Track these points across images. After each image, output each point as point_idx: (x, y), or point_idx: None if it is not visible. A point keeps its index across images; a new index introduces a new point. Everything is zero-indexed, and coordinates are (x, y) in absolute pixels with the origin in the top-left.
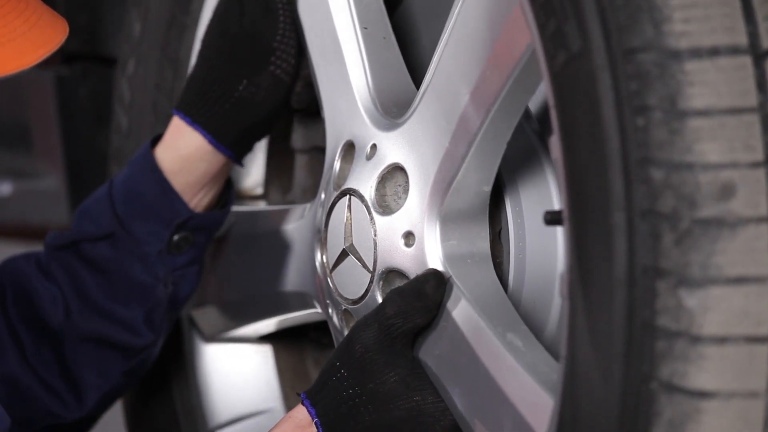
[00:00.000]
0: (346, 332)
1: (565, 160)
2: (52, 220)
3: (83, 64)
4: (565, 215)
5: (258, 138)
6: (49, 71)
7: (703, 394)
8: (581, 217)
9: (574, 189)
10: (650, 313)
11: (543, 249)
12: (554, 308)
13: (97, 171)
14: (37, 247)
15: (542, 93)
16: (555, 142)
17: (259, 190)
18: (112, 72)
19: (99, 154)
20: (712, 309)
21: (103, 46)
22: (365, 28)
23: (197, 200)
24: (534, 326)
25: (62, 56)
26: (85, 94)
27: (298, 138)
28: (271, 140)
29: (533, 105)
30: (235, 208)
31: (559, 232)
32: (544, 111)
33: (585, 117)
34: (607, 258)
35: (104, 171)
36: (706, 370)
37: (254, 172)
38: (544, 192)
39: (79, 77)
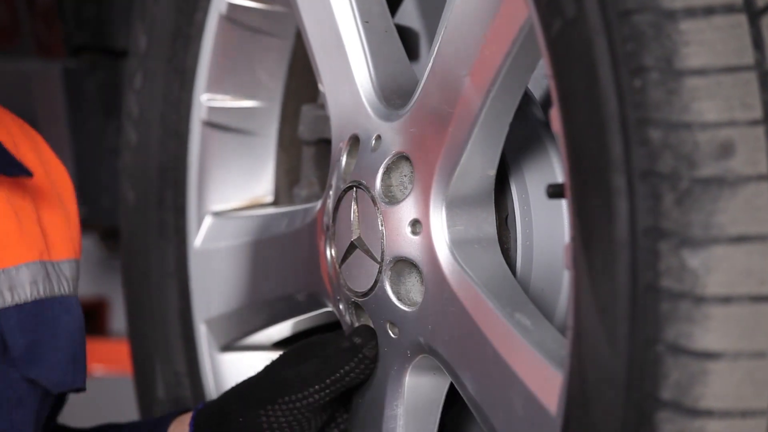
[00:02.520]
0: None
1: (565, 127)
2: None
3: (91, 56)
4: (567, 183)
5: None
6: (56, 63)
7: (709, 355)
8: (582, 183)
9: (574, 155)
10: (653, 274)
11: (550, 235)
12: (563, 295)
13: (105, 163)
14: None
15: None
16: (555, 112)
17: (270, 198)
18: (119, 64)
19: (107, 147)
20: (715, 268)
21: (110, 38)
22: (366, 22)
23: None
24: (543, 312)
25: (70, 48)
26: (92, 86)
27: (305, 130)
28: (279, 148)
29: (537, 93)
30: (243, 214)
31: (566, 218)
32: (547, 97)
33: (582, 82)
34: (609, 221)
35: (112, 163)
36: (712, 331)
37: (264, 180)
38: (550, 179)
39: (87, 69)
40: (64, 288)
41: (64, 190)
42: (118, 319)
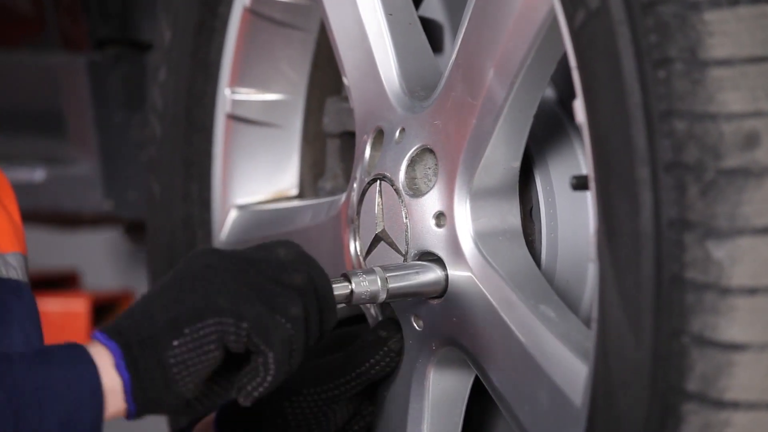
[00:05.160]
0: (381, 319)
1: (589, 119)
2: (86, 206)
3: (116, 49)
4: (591, 175)
5: None
6: (81, 57)
7: (734, 347)
8: (606, 174)
9: (598, 146)
10: (678, 266)
11: (575, 227)
12: (588, 287)
13: (130, 156)
14: (70, 234)
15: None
16: (578, 104)
17: (294, 191)
18: (144, 57)
19: (132, 140)
20: (740, 260)
21: (135, 31)
22: (390, 15)
23: None
24: (568, 305)
25: (95, 41)
26: (117, 79)
27: (329, 122)
28: (303, 141)
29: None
30: (268, 207)
31: (591, 210)
32: None
33: (606, 73)
34: (634, 213)
35: (137, 156)
36: (737, 322)
37: (289, 173)
38: (575, 171)
39: (112, 62)
40: (11, 273)
41: (2, 190)
42: None
